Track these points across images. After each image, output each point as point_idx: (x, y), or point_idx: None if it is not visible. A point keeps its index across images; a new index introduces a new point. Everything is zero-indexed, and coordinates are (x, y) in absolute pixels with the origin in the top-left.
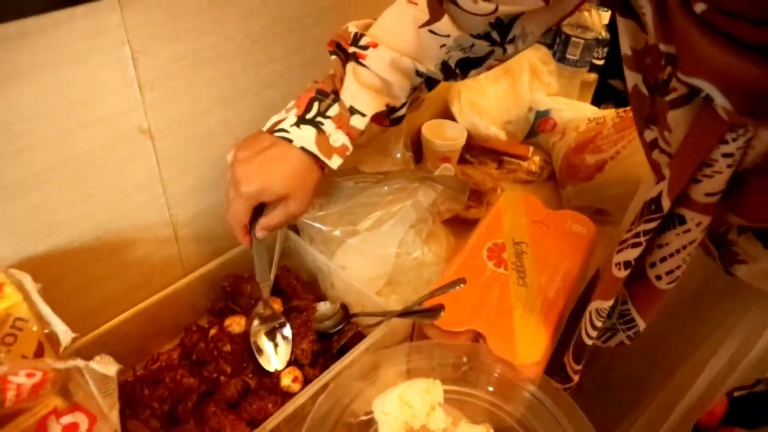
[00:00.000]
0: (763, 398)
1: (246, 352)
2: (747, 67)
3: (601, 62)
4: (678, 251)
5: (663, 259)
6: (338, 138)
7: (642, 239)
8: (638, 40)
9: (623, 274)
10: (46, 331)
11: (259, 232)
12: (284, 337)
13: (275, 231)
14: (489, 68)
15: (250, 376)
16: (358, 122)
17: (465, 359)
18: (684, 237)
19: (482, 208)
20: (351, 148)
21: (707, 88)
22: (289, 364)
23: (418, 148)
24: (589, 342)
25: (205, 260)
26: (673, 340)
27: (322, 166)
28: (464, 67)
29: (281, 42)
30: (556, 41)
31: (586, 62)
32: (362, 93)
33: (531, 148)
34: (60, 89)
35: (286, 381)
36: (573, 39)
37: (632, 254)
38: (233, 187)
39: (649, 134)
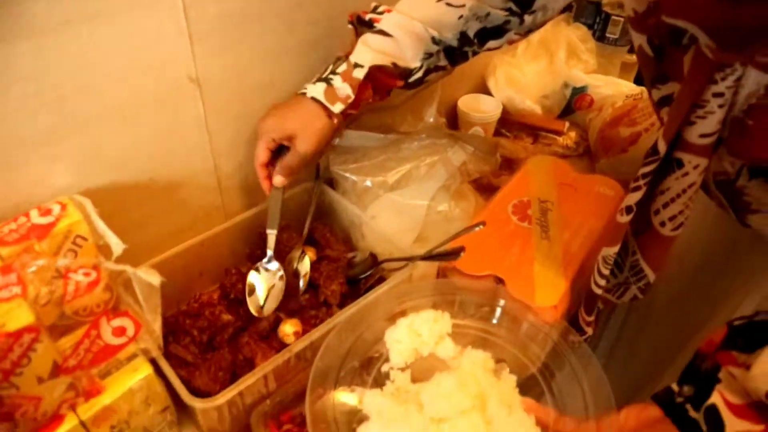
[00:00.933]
0: (762, 326)
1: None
2: (724, 7)
3: None
4: (678, 195)
5: (665, 205)
6: (343, 89)
7: (641, 182)
8: (641, 1)
9: (625, 219)
10: (101, 243)
11: (276, 177)
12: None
13: (292, 176)
14: (510, 42)
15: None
16: (359, 73)
17: (485, 299)
18: (683, 180)
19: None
20: (353, 96)
21: (690, 28)
22: (320, 305)
23: (454, 121)
24: (598, 291)
25: (244, 209)
26: (694, 299)
27: (329, 114)
28: (482, 37)
29: (322, 7)
30: (596, 20)
31: (627, 41)
32: (367, 51)
33: (566, 124)
34: (118, 36)
35: (287, 330)
36: (613, 17)
37: (633, 198)
38: (257, 130)
39: (656, 93)
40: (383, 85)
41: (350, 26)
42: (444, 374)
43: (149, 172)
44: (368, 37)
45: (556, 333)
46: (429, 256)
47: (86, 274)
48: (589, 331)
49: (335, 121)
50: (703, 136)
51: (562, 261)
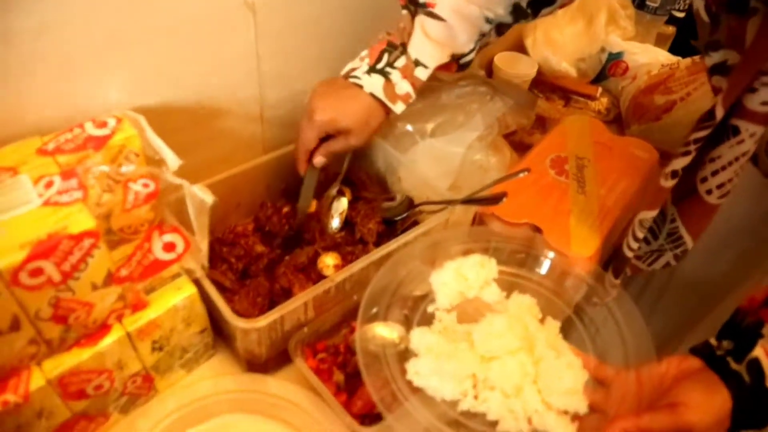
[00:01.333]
0: None
1: (315, 230)
2: None
3: (682, 14)
4: (730, 163)
5: (714, 173)
6: (403, 87)
7: (692, 147)
8: None
9: (670, 183)
10: (156, 158)
11: (318, 158)
12: None
13: (329, 160)
14: (561, 6)
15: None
16: (422, 74)
17: (522, 246)
18: (737, 148)
19: (545, 134)
20: (414, 96)
21: None
22: (356, 242)
23: (488, 78)
24: (629, 254)
25: (283, 144)
26: (726, 263)
27: (387, 110)
28: (536, 6)
29: None
30: None
31: (666, 11)
32: (427, 46)
33: (599, 89)
34: None
35: (328, 261)
36: None
37: (681, 163)
38: (307, 116)
39: (709, 60)
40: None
41: (405, 11)
42: (495, 315)
43: (198, 95)
44: (426, 23)
45: (596, 283)
46: (470, 200)
47: (145, 185)
48: (614, 293)
49: (390, 116)
50: (764, 103)
51: (598, 215)
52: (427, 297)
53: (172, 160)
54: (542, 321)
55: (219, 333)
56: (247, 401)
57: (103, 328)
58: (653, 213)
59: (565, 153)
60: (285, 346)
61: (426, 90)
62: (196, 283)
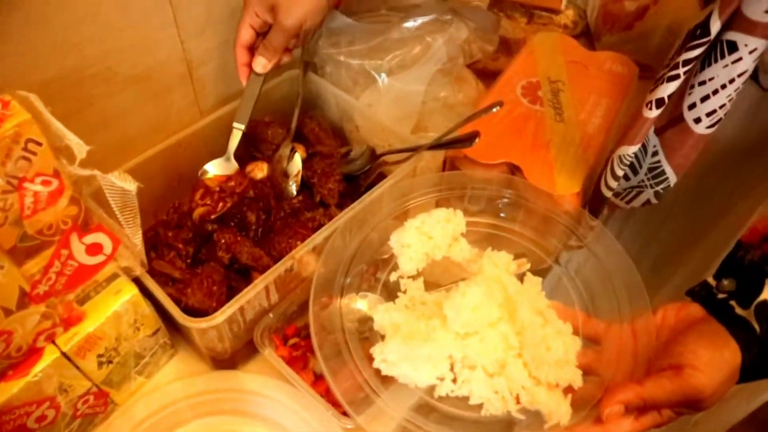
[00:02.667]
0: None
1: (269, 197)
2: None
3: None
4: (723, 87)
5: (705, 98)
6: None
7: (681, 71)
8: None
9: (653, 113)
10: (61, 145)
11: (258, 60)
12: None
13: (275, 60)
14: None
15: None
16: None
17: (501, 191)
18: (732, 68)
19: (511, 58)
20: None
21: None
22: (316, 206)
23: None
24: (608, 193)
25: (222, 103)
26: (717, 189)
27: None
28: None
29: None
30: None
31: None
32: None
33: (564, 0)
34: None
35: None
36: None
37: (667, 90)
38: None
39: None
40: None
41: None
42: (467, 283)
43: (107, 59)
44: None
45: (574, 222)
46: (438, 145)
47: (45, 183)
48: (594, 232)
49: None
50: None
51: (580, 143)
52: (393, 259)
53: (78, 147)
54: (521, 278)
55: (176, 329)
56: (220, 401)
57: (33, 354)
58: (634, 148)
59: (536, 77)
60: (251, 336)
61: (379, 24)
62: (137, 281)
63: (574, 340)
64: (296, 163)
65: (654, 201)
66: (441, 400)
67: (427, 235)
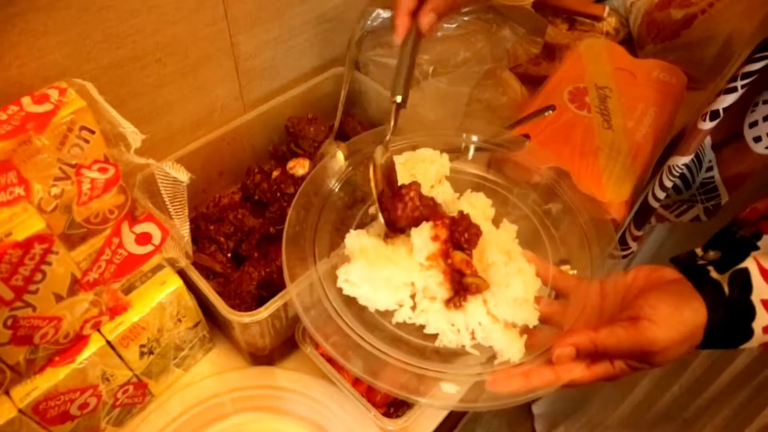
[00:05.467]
0: None
1: (310, 194)
2: None
3: None
4: None
5: (766, 118)
6: None
7: (739, 83)
8: None
9: (707, 125)
10: (116, 132)
11: (427, 17)
12: None
13: (442, 18)
14: None
15: None
16: None
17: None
18: None
19: (554, 64)
20: None
21: None
22: (358, 203)
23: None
24: (655, 204)
25: (267, 99)
26: None
27: None
28: None
29: None
30: None
31: None
32: None
33: (606, 8)
34: None
35: None
36: None
37: (724, 102)
38: None
39: None
40: None
41: None
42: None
43: (157, 51)
44: None
45: (559, 181)
46: (486, 147)
47: (102, 170)
48: (634, 246)
49: None
50: None
51: (629, 152)
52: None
53: (134, 135)
54: (497, 224)
55: (215, 323)
56: (257, 398)
57: (79, 341)
58: (686, 159)
59: (583, 83)
60: (291, 333)
61: None
62: (182, 273)
63: (534, 279)
64: (338, 161)
65: (703, 218)
66: (398, 326)
67: (410, 172)
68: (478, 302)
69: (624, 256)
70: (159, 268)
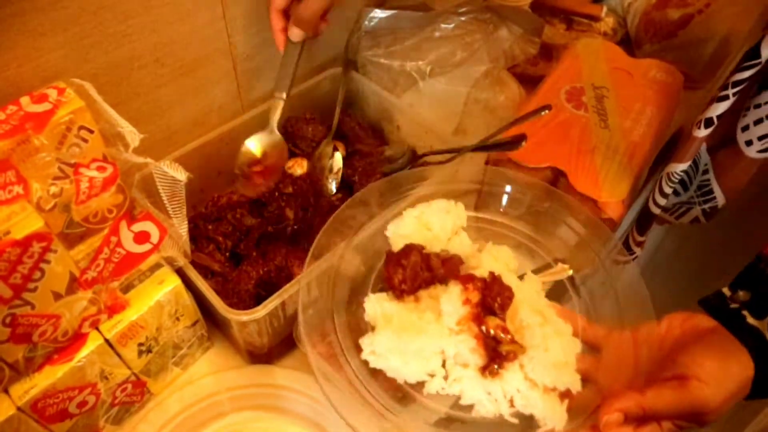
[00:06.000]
0: None
1: (308, 194)
2: None
3: None
4: None
5: (758, 122)
6: None
7: (730, 92)
8: None
9: (702, 133)
10: (114, 132)
11: (293, 30)
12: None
13: (311, 28)
14: None
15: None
16: None
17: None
18: None
19: (552, 64)
20: None
21: None
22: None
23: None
24: (656, 210)
25: (265, 99)
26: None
27: None
28: None
29: None
30: None
31: None
32: None
33: (604, 8)
34: None
35: None
36: None
37: (717, 110)
38: None
39: None
40: None
41: None
42: None
43: (156, 51)
44: None
45: (582, 227)
46: (483, 147)
47: (101, 169)
48: (638, 251)
49: None
50: None
51: (626, 151)
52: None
53: (132, 135)
54: (521, 276)
55: (213, 322)
56: (255, 396)
57: (78, 339)
58: (683, 166)
59: (580, 83)
60: (289, 331)
61: (422, 23)
62: (180, 272)
63: (574, 341)
64: (337, 161)
65: (702, 220)
66: (429, 398)
67: (426, 225)
68: (515, 367)
69: (627, 261)
70: (157, 266)
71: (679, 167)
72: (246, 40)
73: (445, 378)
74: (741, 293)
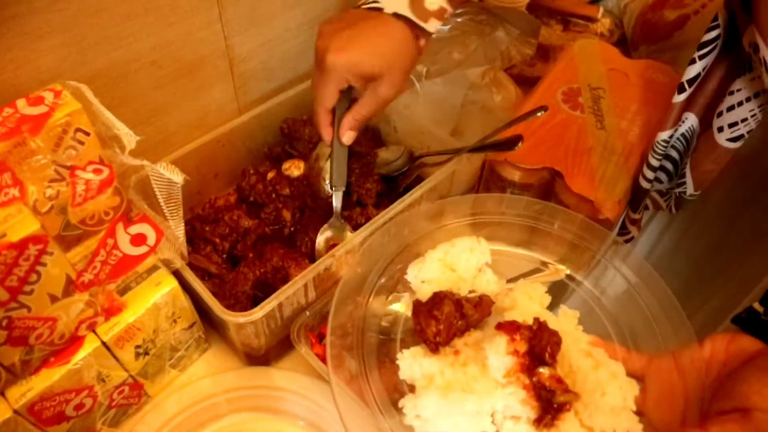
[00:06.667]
0: None
1: (305, 195)
2: None
3: None
4: (748, 100)
5: (730, 108)
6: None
7: (696, 55)
8: None
9: (678, 98)
10: (111, 134)
11: (345, 131)
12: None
13: (361, 127)
14: None
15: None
16: None
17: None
18: (754, 84)
19: (549, 64)
20: (450, 9)
21: None
22: (353, 205)
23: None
24: (646, 185)
25: (262, 101)
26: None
27: (416, 35)
28: None
29: None
30: None
31: None
32: None
33: (600, 9)
34: None
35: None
36: None
37: (687, 74)
38: (317, 65)
39: None
40: None
41: None
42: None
43: (153, 53)
44: None
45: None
46: (481, 147)
47: (97, 171)
48: (634, 231)
49: (422, 45)
50: None
51: (622, 151)
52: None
53: (128, 137)
54: (552, 309)
55: (211, 324)
56: (253, 398)
57: (74, 342)
58: (665, 134)
59: (577, 84)
60: (286, 333)
61: None
62: (177, 274)
63: (630, 383)
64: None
65: (673, 210)
66: None
67: (450, 267)
68: (570, 416)
69: (626, 241)
70: (154, 269)
71: (662, 135)
72: (243, 42)
73: None
74: None
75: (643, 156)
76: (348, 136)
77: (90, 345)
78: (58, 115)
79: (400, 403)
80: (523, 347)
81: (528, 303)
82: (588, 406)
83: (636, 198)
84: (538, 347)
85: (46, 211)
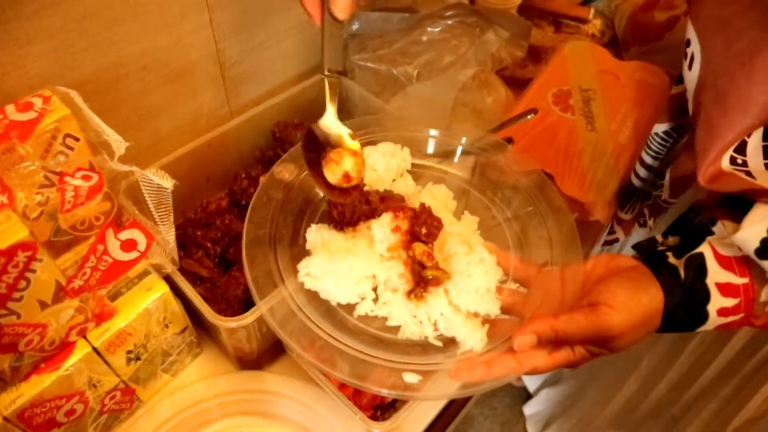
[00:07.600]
0: None
1: (298, 199)
2: None
3: None
4: None
5: None
6: None
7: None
8: None
9: (674, 90)
10: (101, 140)
11: (338, 6)
12: None
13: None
14: None
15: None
16: None
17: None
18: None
19: (541, 66)
20: None
21: None
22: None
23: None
24: (637, 182)
25: (253, 105)
26: None
27: None
28: None
29: None
30: None
31: None
32: None
33: (592, 10)
34: None
35: None
36: None
37: (683, 66)
38: None
39: None
40: None
41: None
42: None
43: (143, 58)
44: None
45: (526, 179)
46: (470, 150)
47: (86, 178)
48: (621, 234)
49: None
50: None
51: (612, 153)
52: None
53: (118, 143)
54: (459, 216)
55: (203, 328)
56: (245, 402)
57: (65, 348)
58: (663, 127)
59: (567, 86)
60: (277, 337)
61: (409, 25)
62: (168, 279)
63: (496, 269)
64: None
65: (647, 220)
66: (360, 319)
67: (372, 167)
68: (440, 293)
69: (611, 242)
70: (145, 274)
71: (659, 128)
72: (233, 46)
73: (375, 301)
74: (671, 238)
75: (633, 157)
76: (341, 4)
77: (81, 351)
78: (47, 121)
79: (297, 265)
80: (405, 225)
81: (430, 200)
82: (456, 285)
83: (625, 195)
84: (416, 226)
85: (35, 218)
